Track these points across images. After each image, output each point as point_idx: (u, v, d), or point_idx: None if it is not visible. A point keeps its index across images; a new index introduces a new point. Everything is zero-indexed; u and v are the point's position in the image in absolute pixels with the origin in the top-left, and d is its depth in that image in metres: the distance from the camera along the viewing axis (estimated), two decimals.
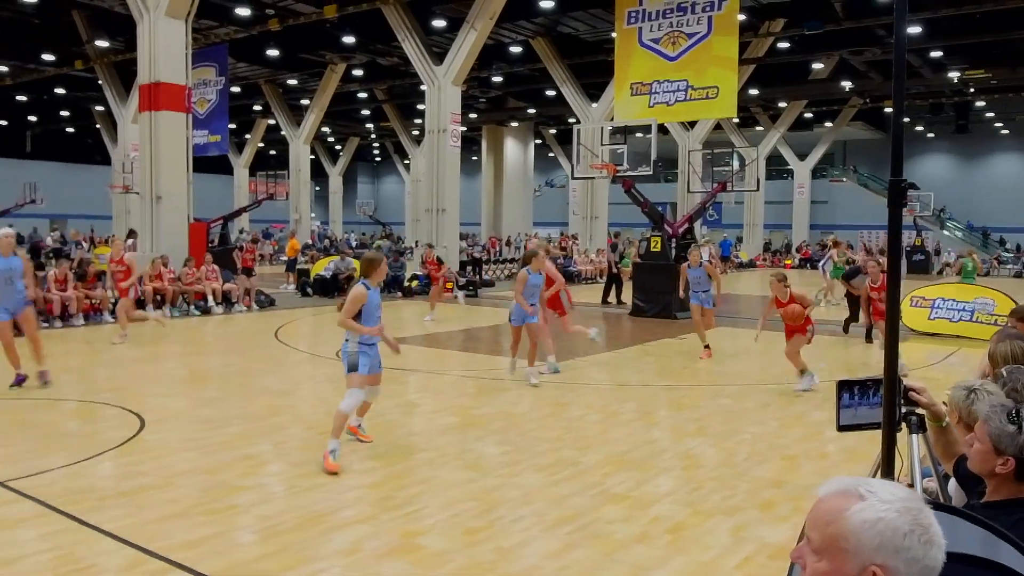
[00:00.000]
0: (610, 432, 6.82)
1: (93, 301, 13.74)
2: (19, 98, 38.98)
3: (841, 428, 2.65)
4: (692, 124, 31.64)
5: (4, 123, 45.07)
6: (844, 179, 43.73)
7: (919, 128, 41.29)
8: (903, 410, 2.56)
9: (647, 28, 16.57)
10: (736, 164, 20.86)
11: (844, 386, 2.63)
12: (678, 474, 5.67)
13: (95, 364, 9.85)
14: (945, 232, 39.75)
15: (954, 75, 28.56)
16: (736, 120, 34.28)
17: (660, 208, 19.02)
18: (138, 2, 16.09)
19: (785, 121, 37.16)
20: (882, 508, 1.26)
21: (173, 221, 16.32)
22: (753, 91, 31.44)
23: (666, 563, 4.09)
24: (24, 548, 4.15)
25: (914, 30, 22.81)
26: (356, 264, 19.86)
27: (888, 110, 36.65)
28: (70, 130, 48.74)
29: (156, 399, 7.82)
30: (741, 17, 17.91)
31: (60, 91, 36.98)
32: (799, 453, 6.23)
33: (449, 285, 19.91)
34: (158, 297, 14.54)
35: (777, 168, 43.23)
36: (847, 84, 31.08)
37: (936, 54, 27.76)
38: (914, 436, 2.59)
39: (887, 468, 2.42)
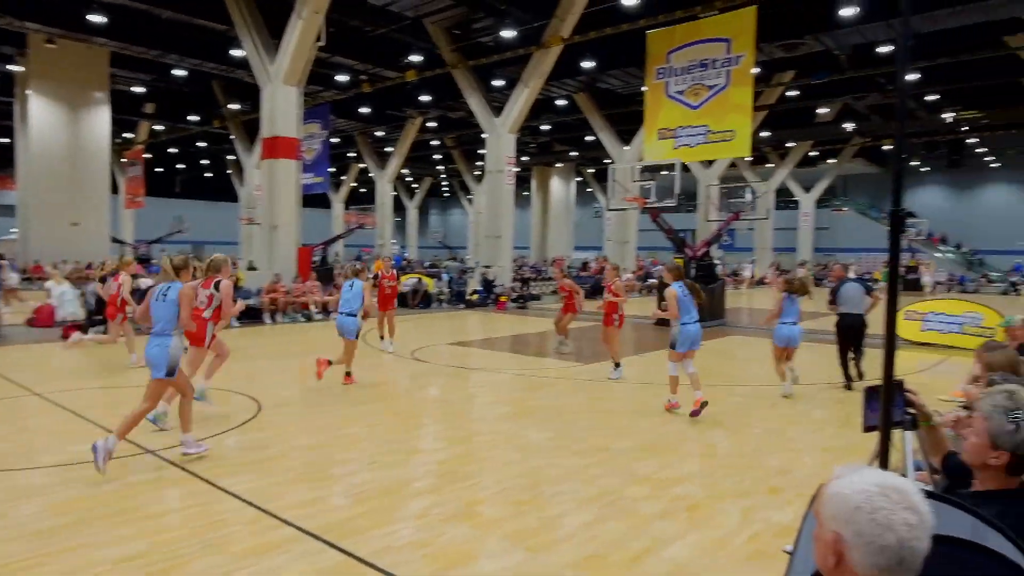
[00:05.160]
0: (638, 422, 6.66)
1: None
2: (170, 150, 40.90)
3: (867, 429, 2.44)
4: (710, 162, 31.06)
5: (160, 170, 47.31)
6: (844, 208, 42.22)
7: (914, 163, 39.67)
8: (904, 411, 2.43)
9: (673, 82, 16.38)
10: (748, 196, 20.32)
11: (871, 392, 2.41)
12: (696, 460, 5.50)
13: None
14: (937, 255, 37.90)
15: (949, 116, 27.33)
16: (749, 159, 33.51)
17: (682, 234, 18.66)
18: (262, 73, 16.67)
19: (793, 159, 36.17)
20: (845, 484, 1.23)
21: (286, 246, 16.78)
22: (765, 133, 30.72)
23: (684, 537, 3.95)
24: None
25: (912, 76, 21.91)
26: (429, 281, 19.97)
27: (887, 147, 35.33)
28: (208, 175, 50.82)
29: (271, 389, 7.97)
30: (755, 70, 17.54)
31: (201, 144, 38.68)
32: (803, 447, 5.97)
33: (504, 299, 19.95)
34: (272, 306, 14.92)
35: (785, 199, 41.97)
36: (849, 126, 30.05)
37: (932, 97, 26.58)
38: (907, 433, 2.46)
39: (882, 460, 2.29)
